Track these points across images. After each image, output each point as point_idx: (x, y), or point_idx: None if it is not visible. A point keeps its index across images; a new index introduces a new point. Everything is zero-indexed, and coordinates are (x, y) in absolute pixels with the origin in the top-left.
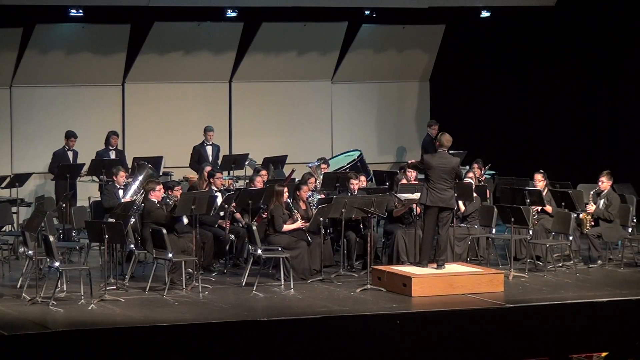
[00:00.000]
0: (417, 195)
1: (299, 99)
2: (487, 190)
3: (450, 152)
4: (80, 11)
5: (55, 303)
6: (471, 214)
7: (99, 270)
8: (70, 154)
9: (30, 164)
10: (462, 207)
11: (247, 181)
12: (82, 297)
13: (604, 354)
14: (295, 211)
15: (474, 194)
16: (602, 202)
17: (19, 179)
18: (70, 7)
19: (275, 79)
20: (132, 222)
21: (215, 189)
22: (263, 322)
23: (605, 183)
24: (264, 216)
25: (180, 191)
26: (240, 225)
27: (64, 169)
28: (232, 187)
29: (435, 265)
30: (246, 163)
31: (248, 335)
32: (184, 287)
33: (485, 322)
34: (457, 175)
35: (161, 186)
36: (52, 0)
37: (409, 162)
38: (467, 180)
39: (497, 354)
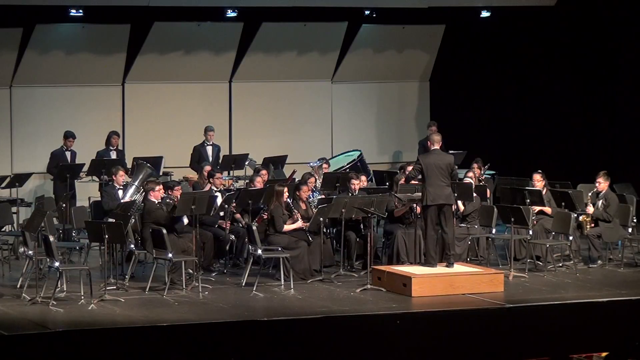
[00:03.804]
0: (416, 195)
1: (299, 99)
2: (487, 190)
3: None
4: (80, 11)
5: (55, 303)
6: (471, 213)
7: (99, 270)
8: (68, 154)
9: (30, 164)
10: (462, 207)
11: (247, 181)
12: (82, 297)
13: (604, 354)
14: (296, 211)
15: (474, 194)
16: (600, 202)
17: (19, 179)
18: (70, 7)
19: (275, 79)
20: (132, 222)
21: (215, 188)
22: (263, 322)
23: (602, 184)
24: (265, 217)
25: (180, 191)
26: (240, 225)
27: (63, 169)
28: (232, 187)
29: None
30: (246, 163)
31: (248, 335)
32: (184, 287)
33: (485, 322)
34: (453, 175)
35: (161, 186)
36: (52, 0)
37: (407, 170)
38: (467, 180)
39: (497, 354)
